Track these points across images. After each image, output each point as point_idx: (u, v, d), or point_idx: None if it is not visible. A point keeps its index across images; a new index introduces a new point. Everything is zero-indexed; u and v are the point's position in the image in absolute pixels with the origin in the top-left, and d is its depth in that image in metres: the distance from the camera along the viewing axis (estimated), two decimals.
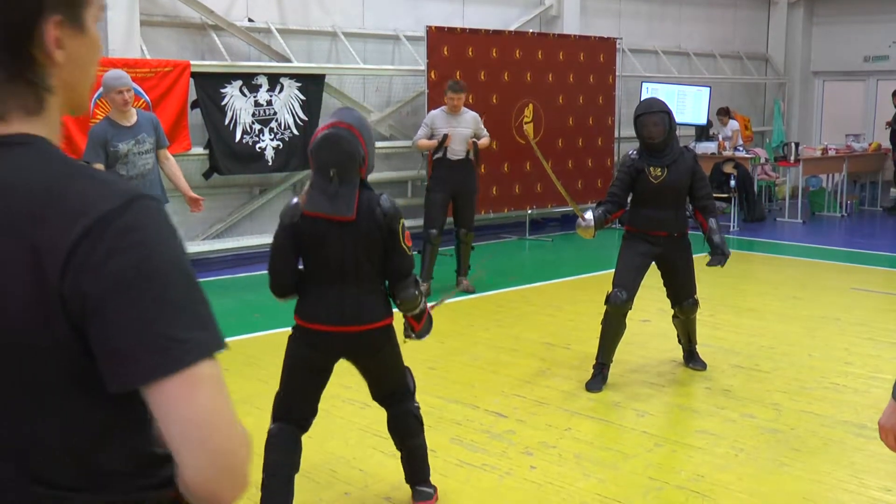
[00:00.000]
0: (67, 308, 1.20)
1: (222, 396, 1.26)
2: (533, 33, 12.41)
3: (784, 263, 10.50)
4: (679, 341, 6.38)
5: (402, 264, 3.85)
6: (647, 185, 5.79)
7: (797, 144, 14.17)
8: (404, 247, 3.82)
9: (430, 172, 8.81)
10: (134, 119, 6.71)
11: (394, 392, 4.05)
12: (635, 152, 5.93)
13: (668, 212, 5.82)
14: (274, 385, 5.85)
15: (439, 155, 8.45)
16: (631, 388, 5.90)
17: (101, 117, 8.79)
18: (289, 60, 10.40)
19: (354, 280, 3.76)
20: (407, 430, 4.10)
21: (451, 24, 11.68)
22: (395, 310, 3.94)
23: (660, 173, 5.77)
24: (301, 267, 3.86)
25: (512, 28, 12.51)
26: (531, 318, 7.78)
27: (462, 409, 5.47)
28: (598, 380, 5.86)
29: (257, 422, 5.25)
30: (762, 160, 14.45)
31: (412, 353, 7.00)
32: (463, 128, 8.48)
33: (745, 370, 6.27)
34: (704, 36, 15.99)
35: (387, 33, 11.63)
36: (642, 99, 6.06)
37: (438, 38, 10.96)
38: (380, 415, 5.31)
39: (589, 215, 5.91)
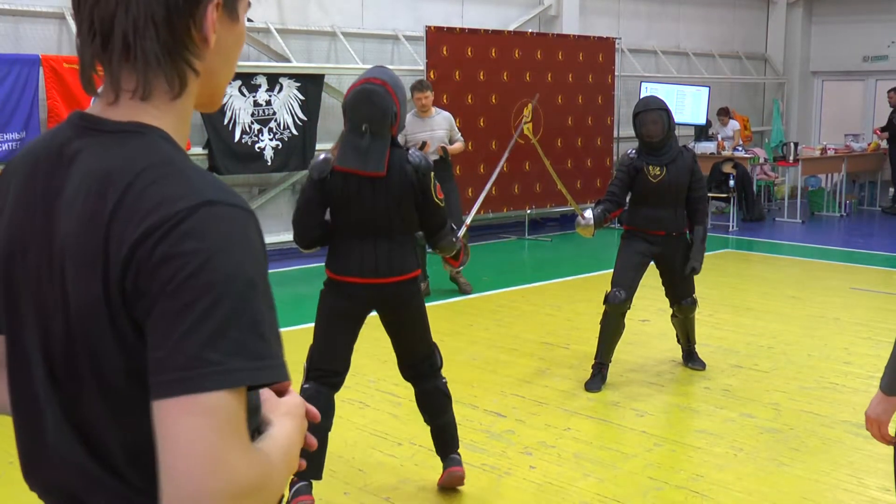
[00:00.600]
0: (129, 305, 1.17)
1: (226, 438, 1.11)
2: (532, 33, 12.42)
3: (783, 263, 10.52)
4: (678, 341, 6.40)
5: (437, 216, 3.99)
6: (645, 185, 5.80)
7: (796, 144, 14.19)
8: (437, 200, 3.93)
9: None
10: None
11: (422, 361, 4.13)
12: (634, 151, 5.94)
13: (667, 211, 5.83)
14: None
15: None
16: (630, 388, 5.91)
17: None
18: (288, 60, 10.41)
19: (385, 233, 3.86)
20: (436, 407, 4.19)
21: (450, 24, 11.69)
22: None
23: (658, 172, 5.78)
24: (329, 220, 3.94)
25: (511, 28, 12.52)
26: (530, 317, 7.79)
27: (461, 408, 5.47)
28: (597, 379, 5.87)
29: None
30: (761, 160, 14.47)
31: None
32: (437, 130, 8.36)
33: (745, 370, 6.28)
34: (703, 36, 16.00)
35: (386, 33, 11.64)
36: (640, 99, 6.06)
37: (437, 38, 10.97)
38: (379, 415, 5.34)
39: (588, 214, 5.94)
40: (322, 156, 3.89)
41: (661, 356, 6.55)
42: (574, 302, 8.33)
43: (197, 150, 9.63)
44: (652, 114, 5.78)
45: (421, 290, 4.10)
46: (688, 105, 13.42)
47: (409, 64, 11.42)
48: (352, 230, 3.87)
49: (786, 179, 14.69)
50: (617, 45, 13.22)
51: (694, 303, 6.11)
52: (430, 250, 4.12)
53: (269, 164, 10.17)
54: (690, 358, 6.34)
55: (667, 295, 6.13)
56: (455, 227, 4.27)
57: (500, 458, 4.72)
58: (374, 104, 3.76)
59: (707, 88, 13.71)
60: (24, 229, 1.29)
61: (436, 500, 4.29)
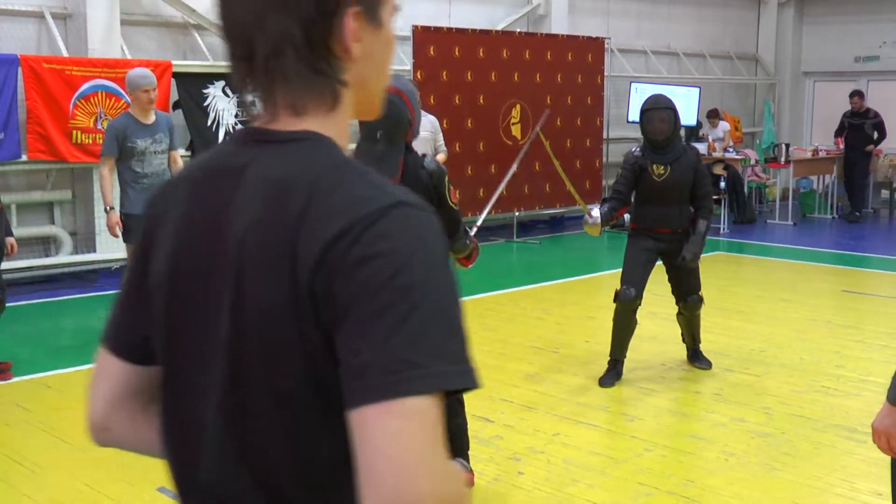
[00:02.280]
0: (318, 310, 1.14)
1: (431, 442, 1.10)
2: (520, 33, 12.43)
3: (774, 266, 10.55)
4: (683, 340, 6.47)
5: (452, 219, 4.07)
6: (650, 183, 5.90)
7: (787, 146, 14.25)
8: (452, 203, 4.03)
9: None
10: (153, 118, 6.84)
11: None
12: (638, 149, 6.02)
13: (672, 209, 5.94)
14: None
15: None
16: (620, 392, 5.91)
17: (80, 118, 8.80)
18: None
19: None
20: (448, 410, 4.12)
21: (437, 24, 11.69)
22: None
23: (663, 171, 5.87)
24: None
25: (499, 27, 12.53)
26: (519, 321, 7.79)
27: None
28: (611, 375, 6.00)
29: None
30: (752, 161, 14.52)
31: None
32: (422, 131, 8.30)
33: (736, 374, 6.29)
34: (694, 36, 16.05)
35: None
36: (649, 97, 6.14)
37: (424, 37, 10.97)
38: None
39: (596, 212, 6.02)
40: None
41: (651, 360, 6.55)
42: (563, 305, 8.33)
43: (180, 152, 9.57)
44: (661, 112, 5.88)
45: None
46: (678, 106, 13.43)
47: (396, 64, 11.40)
48: None
49: (777, 181, 14.74)
50: (606, 45, 13.25)
51: (700, 300, 6.19)
52: None
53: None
54: (696, 357, 6.42)
55: (673, 292, 6.22)
56: (468, 229, 4.33)
57: (488, 463, 4.71)
58: (388, 111, 3.79)
59: (697, 89, 13.75)
60: (190, 247, 1.28)
61: None
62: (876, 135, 14.09)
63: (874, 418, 2.60)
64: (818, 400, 5.74)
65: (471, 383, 1.15)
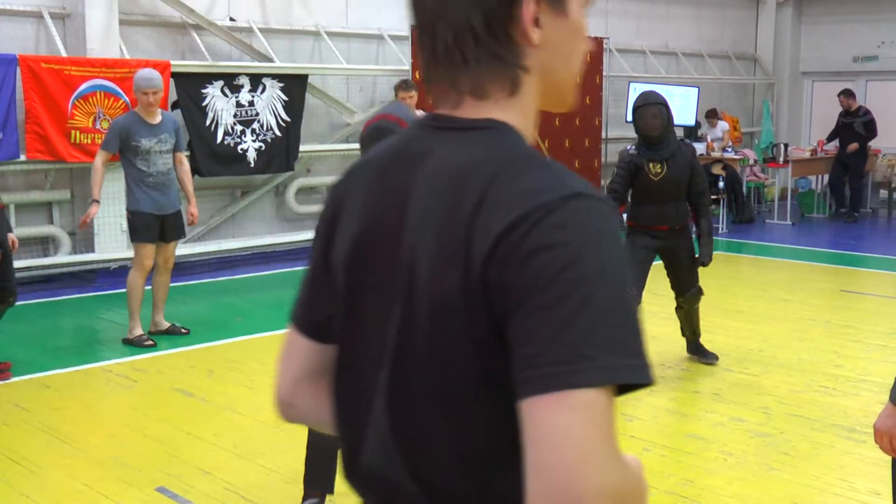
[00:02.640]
0: (490, 301, 1.14)
1: (601, 435, 1.08)
2: None
3: (773, 265, 10.55)
4: (683, 333, 6.53)
5: None
6: (647, 182, 5.96)
7: (786, 145, 14.25)
8: None
9: None
10: (159, 118, 6.90)
11: None
12: (633, 147, 6.06)
13: (669, 206, 6.00)
14: (259, 390, 5.86)
15: None
16: None
17: (78, 118, 8.80)
18: (271, 60, 10.39)
19: None
20: None
21: None
22: None
23: (659, 169, 5.93)
24: None
25: None
26: None
27: None
28: None
29: (242, 428, 5.25)
30: (751, 161, 14.52)
31: None
32: None
33: (734, 373, 6.29)
34: (692, 36, 16.05)
35: (371, 33, 11.63)
36: (639, 94, 6.21)
37: None
38: None
39: None
40: None
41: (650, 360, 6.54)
42: None
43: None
44: (652, 108, 5.93)
45: None
46: (676, 106, 13.38)
47: (395, 64, 11.41)
48: None
49: (776, 181, 14.75)
50: (605, 45, 13.25)
51: (699, 292, 6.27)
52: None
53: (252, 165, 10.15)
54: (698, 350, 6.48)
55: (672, 287, 6.29)
56: None
57: None
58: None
59: (696, 89, 13.76)
60: (372, 231, 1.29)
61: None
62: (866, 133, 13.97)
63: (876, 419, 2.60)
64: (817, 399, 5.74)
65: (644, 378, 1.15)
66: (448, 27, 1.25)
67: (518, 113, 1.28)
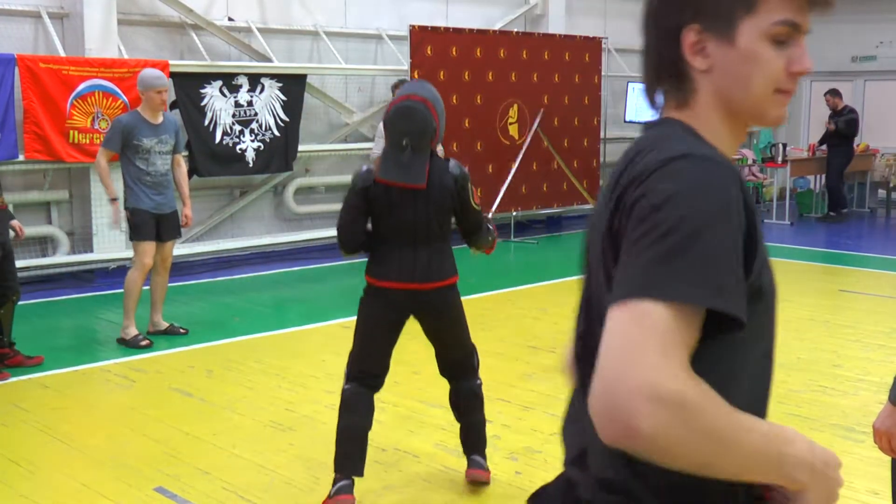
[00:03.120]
0: (614, 248, 1.36)
1: (653, 344, 1.20)
2: (517, 33, 12.44)
3: (772, 265, 10.55)
4: None
5: (476, 219, 4.28)
6: None
7: (784, 145, 14.25)
8: (474, 205, 4.22)
9: None
10: (161, 119, 6.94)
11: (460, 363, 4.38)
12: None
13: None
14: (258, 390, 5.87)
15: None
16: None
17: (77, 117, 8.79)
18: (270, 60, 10.38)
19: (424, 241, 4.11)
20: (468, 406, 4.44)
21: (434, 24, 11.70)
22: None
23: None
24: (370, 228, 4.18)
25: (496, 27, 12.53)
26: (516, 321, 7.80)
27: (446, 413, 5.45)
28: None
29: (240, 428, 5.26)
30: (749, 161, 14.52)
31: (398, 356, 7.01)
32: None
33: None
34: None
35: (369, 32, 11.63)
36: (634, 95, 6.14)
37: (421, 37, 10.97)
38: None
39: None
40: (365, 167, 4.13)
41: None
42: (560, 305, 8.31)
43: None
44: None
45: (459, 295, 4.30)
46: None
47: (393, 64, 11.41)
48: (392, 238, 4.10)
49: (774, 181, 14.75)
50: (604, 45, 13.26)
51: None
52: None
53: (251, 165, 10.15)
54: None
55: None
56: (489, 224, 4.46)
57: (486, 463, 4.71)
58: (414, 120, 4.00)
59: None
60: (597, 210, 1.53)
61: None
62: (845, 130, 13.82)
63: (875, 418, 2.60)
64: (815, 399, 5.75)
65: (717, 304, 1.25)
66: (644, 49, 1.55)
67: (693, 118, 1.48)
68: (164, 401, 5.76)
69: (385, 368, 4.27)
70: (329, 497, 4.12)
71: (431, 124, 4.04)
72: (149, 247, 6.90)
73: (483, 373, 6.20)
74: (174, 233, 7.12)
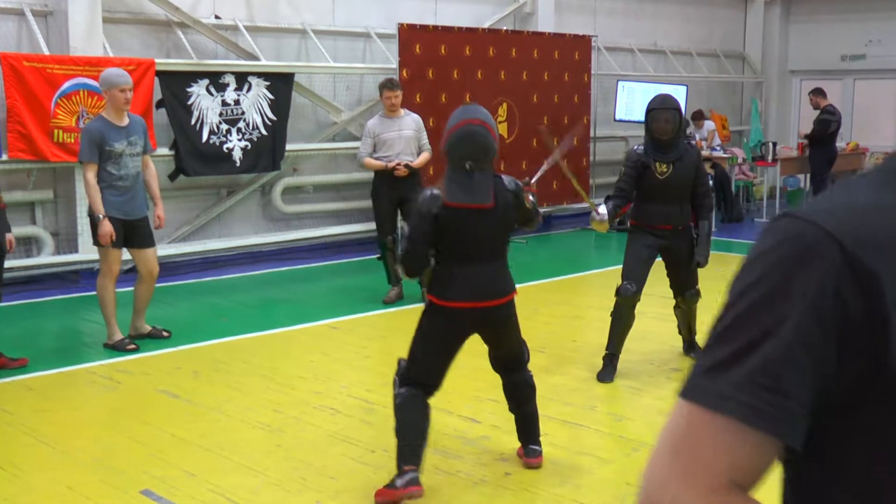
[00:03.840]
0: None
1: (673, 446, 1.15)
2: (507, 31, 12.43)
3: None
4: (679, 332, 6.69)
5: (531, 216, 4.51)
6: (653, 181, 6.10)
7: (775, 144, 14.28)
8: (528, 206, 4.42)
9: (374, 179, 8.51)
10: (127, 120, 6.77)
11: (513, 360, 4.57)
12: (641, 147, 6.20)
13: (673, 206, 6.15)
14: (245, 391, 5.85)
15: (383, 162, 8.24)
16: (608, 392, 5.92)
17: (61, 116, 8.75)
18: (257, 58, 10.36)
19: (490, 258, 4.30)
20: (523, 397, 4.64)
21: (423, 22, 11.69)
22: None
23: (665, 169, 6.08)
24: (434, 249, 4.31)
25: (485, 25, 12.53)
26: None
27: (435, 414, 5.43)
28: (608, 370, 6.15)
29: (228, 430, 5.24)
30: (740, 160, 14.56)
31: (387, 356, 7.00)
32: (405, 130, 8.33)
33: None
34: (681, 34, 16.09)
35: (358, 31, 11.61)
36: (655, 96, 6.30)
37: (410, 35, 10.96)
38: (351, 422, 5.32)
39: (603, 209, 6.18)
40: (429, 192, 4.25)
41: (638, 359, 6.56)
42: (550, 305, 8.33)
43: (163, 151, 9.57)
44: (666, 112, 6.08)
45: (514, 305, 4.48)
46: None
47: (382, 62, 11.40)
48: (460, 257, 4.26)
49: (765, 180, 14.80)
50: (593, 43, 13.27)
51: (697, 294, 6.43)
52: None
53: (238, 165, 10.12)
54: (692, 348, 6.66)
55: (671, 286, 6.43)
56: (537, 208, 4.60)
57: (475, 465, 4.71)
58: (476, 143, 4.21)
59: (685, 87, 13.76)
60: None
61: None
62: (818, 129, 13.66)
63: None
64: None
65: (755, 420, 1.10)
66: None
67: None
68: (150, 402, 5.73)
69: (439, 384, 4.39)
70: (396, 488, 4.16)
71: (493, 146, 4.26)
72: (117, 254, 6.78)
73: (472, 373, 6.20)
74: (149, 239, 6.95)
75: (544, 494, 4.38)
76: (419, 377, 4.31)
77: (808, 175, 14.23)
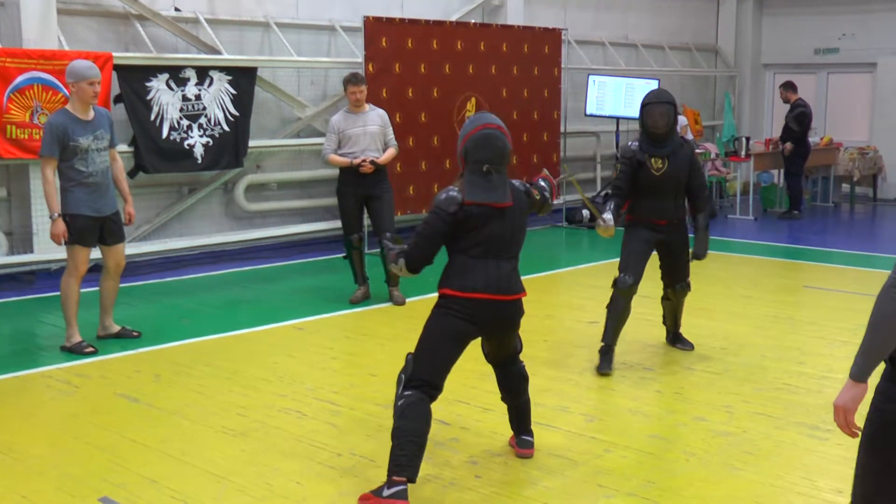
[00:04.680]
0: None
1: None
2: (475, 24, 12.45)
3: (735, 261, 10.67)
4: (664, 322, 6.91)
5: (542, 205, 4.82)
6: (648, 177, 6.31)
7: (748, 139, 14.39)
8: (545, 196, 4.80)
9: (339, 176, 8.45)
10: (92, 114, 6.72)
11: (510, 356, 4.77)
12: (635, 143, 6.39)
13: (669, 201, 6.37)
14: (208, 394, 5.83)
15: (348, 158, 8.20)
16: (579, 392, 5.95)
17: (14, 112, 8.66)
18: (218, 52, 10.31)
19: (506, 255, 4.46)
20: (516, 388, 4.84)
21: (389, 14, 11.68)
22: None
23: (661, 165, 6.28)
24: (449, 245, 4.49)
25: (453, 18, 12.54)
26: None
27: None
28: (606, 361, 6.33)
29: (190, 434, 5.21)
30: (712, 155, 14.67)
31: (354, 358, 6.99)
32: (370, 125, 8.27)
33: (697, 372, 6.36)
34: (653, 27, 16.19)
35: (322, 24, 11.58)
36: (650, 91, 6.55)
37: (376, 28, 10.95)
38: (317, 425, 5.31)
39: (608, 216, 6.31)
40: (444, 193, 4.43)
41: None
42: None
43: (122, 148, 9.47)
44: (661, 107, 6.29)
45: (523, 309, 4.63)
46: (637, 99, 13.49)
47: (347, 56, 11.38)
48: (478, 252, 4.41)
49: (738, 175, 14.92)
50: (563, 37, 13.31)
51: (687, 287, 6.69)
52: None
53: (199, 162, 10.06)
54: (677, 339, 6.87)
55: (662, 278, 6.66)
56: (548, 190, 4.89)
57: (445, 467, 4.72)
58: (495, 146, 4.44)
59: (657, 81, 13.83)
60: None
61: None
62: (797, 127, 13.73)
63: (837, 396, 2.72)
64: (779, 398, 5.82)
65: None
66: None
67: None
68: (109, 407, 5.70)
69: (443, 383, 4.44)
70: (381, 497, 4.17)
71: (508, 147, 4.49)
72: (86, 253, 6.76)
73: None
74: (120, 235, 6.96)
75: (515, 497, 4.40)
76: (426, 376, 4.36)
77: (782, 171, 14.37)
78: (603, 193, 12.67)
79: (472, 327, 4.42)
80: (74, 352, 6.75)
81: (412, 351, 4.47)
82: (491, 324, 4.49)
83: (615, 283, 6.37)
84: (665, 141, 6.30)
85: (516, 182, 4.59)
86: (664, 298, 6.78)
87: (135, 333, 7.18)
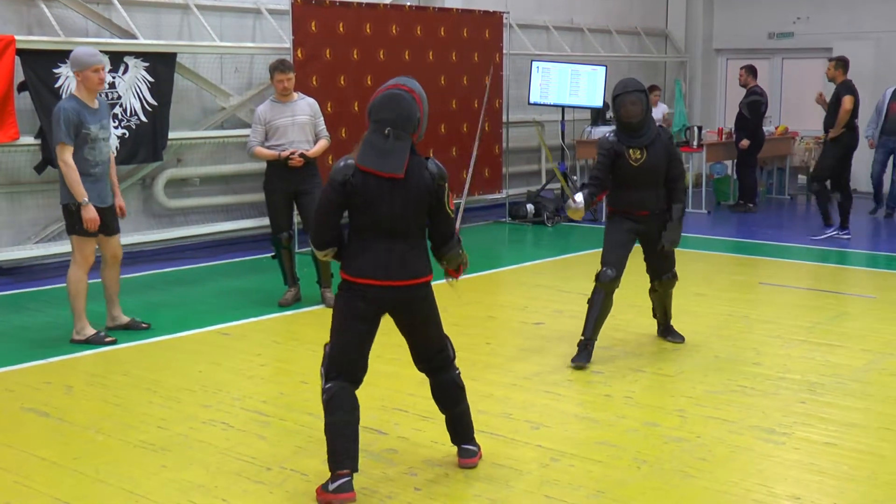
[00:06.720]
0: None
1: None
2: (411, 7, 12.45)
3: (688, 257, 10.78)
4: (654, 315, 7.16)
5: (448, 226, 4.63)
6: (627, 168, 6.52)
7: (700, 128, 14.53)
8: (449, 210, 4.57)
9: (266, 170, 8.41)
10: (97, 103, 6.90)
11: (436, 355, 4.76)
12: (612, 134, 6.61)
13: (649, 192, 6.59)
14: (126, 407, 5.76)
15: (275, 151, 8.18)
16: (524, 397, 5.98)
17: None
18: (134, 37, 10.18)
19: (401, 237, 4.44)
20: (451, 398, 4.84)
21: None
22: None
23: (639, 155, 6.50)
24: (346, 223, 4.47)
25: (387, 1, 12.53)
26: None
27: None
28: (583, 355, 6.56)
29: (106, 450, 5.15)
30: None
31: (284, 365, 6.96)
32: (299, 115, 8.24)
33: (648, 375, 6.43)
34: (599, 10, 16.33)
35: (247, 6, 11.50)
36: (619, 82, 6.69)
37: (305, 11, 10.90)
38: (245, 437, 5.27)
39: (579, 197, 6.55)
40: (342, 161, 4.39)
41: (555, 362, 6.65)
42: (461, 305, 8.35)
43: (27, 140, 9.35)
44: (632, 95, 6.47)
45: (433, 295, 4.66)
46: (583, 86, 13.63)
47: (274, 41, 11.31)
48: (369, 233, 4.42)
49: (689, 167, 15.09)
50: (505, 20, 13.37)
51: (674, 277, 6.93)
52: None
53: (114, 155, 9.92)
54: (668, 332, 7.12)
55: (648, 271, 6.98)
56: (458, 240, 4.79)
57: (381, 480, 4.71)
58: (401, 108, 4.42)
59: (604, 68, 13.97)
60: None
61: None
62: (749, 115, 13.89)
63: None
64: (734, 400, 5.90)
65: None
66: None
67: None
68: (15, 423, 5.60)
69: (365, 367, 4.52)
70: (328, 492, 4.31)
71: (416, 114, 4.45)
72: (94, 244, 7.04)
73: (378, 380, 6.20)
74: (117, 226, 7.26)
75: None
76: (341, 364, 4.44)
77: (735, 161, 14.57)
78: (580, 184, 12.72)
79: (373, 309, 4.48)
80: (93, 343, 6.97)
81: (329, 342, 4.56)
82: (390, 309, 4.55)
83: (597, 277, 6.60)
84: (641, 130, 6.50)
85: (430, 161, 4.54)
86: (651, 290, 7.04)
87: (144, 325, 7.45)
